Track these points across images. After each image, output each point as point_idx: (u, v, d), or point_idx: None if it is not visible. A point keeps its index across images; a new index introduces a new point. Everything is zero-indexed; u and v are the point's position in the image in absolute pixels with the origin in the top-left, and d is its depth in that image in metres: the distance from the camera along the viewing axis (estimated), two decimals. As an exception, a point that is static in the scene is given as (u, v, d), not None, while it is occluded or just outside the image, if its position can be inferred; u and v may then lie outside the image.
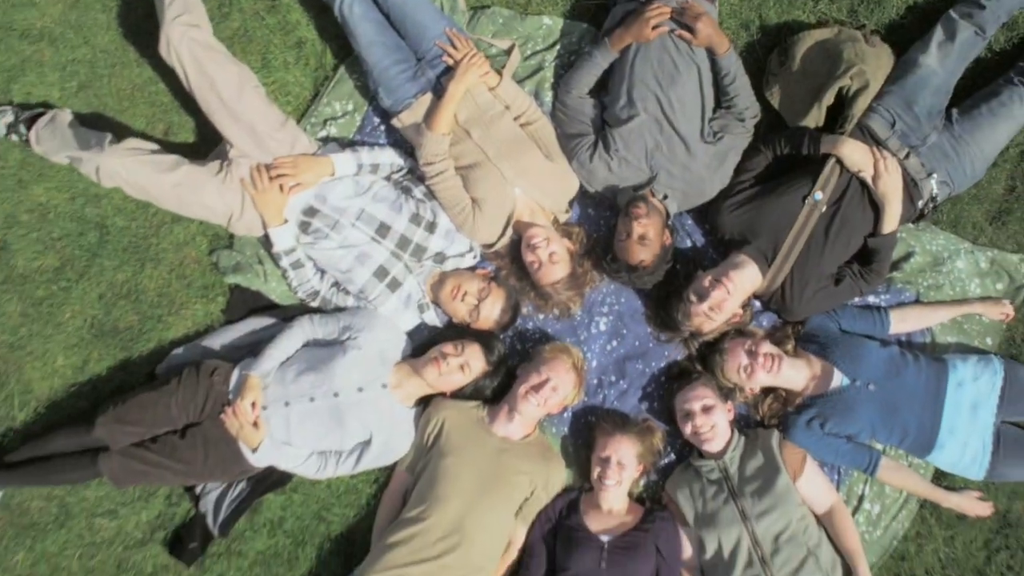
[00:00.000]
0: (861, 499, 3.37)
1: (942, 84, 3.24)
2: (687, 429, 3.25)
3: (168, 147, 3.46)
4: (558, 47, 3.53)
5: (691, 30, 3.18)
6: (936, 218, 3.42)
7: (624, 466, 3.23)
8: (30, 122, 3.47)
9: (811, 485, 3.21)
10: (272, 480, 3.42)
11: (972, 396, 3.18)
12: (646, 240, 3.19)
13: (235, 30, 3.58)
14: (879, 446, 3.30)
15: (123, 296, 3.53)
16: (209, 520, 3.43)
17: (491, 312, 3.32)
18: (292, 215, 3.33)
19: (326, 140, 3.51)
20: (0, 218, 3.54)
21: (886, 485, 3.34)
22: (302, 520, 3.48)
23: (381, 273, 3.33)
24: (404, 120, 3.38)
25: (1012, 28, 3.41)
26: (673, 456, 3.45)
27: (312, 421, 3.21)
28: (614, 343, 3.50)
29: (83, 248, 3.54)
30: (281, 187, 3.28)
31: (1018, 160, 3.43)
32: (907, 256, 3.40)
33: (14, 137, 3.49)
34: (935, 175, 3.22)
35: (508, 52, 3.52)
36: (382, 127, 3.55)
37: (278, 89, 3.57)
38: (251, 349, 3.40)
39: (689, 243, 3.49)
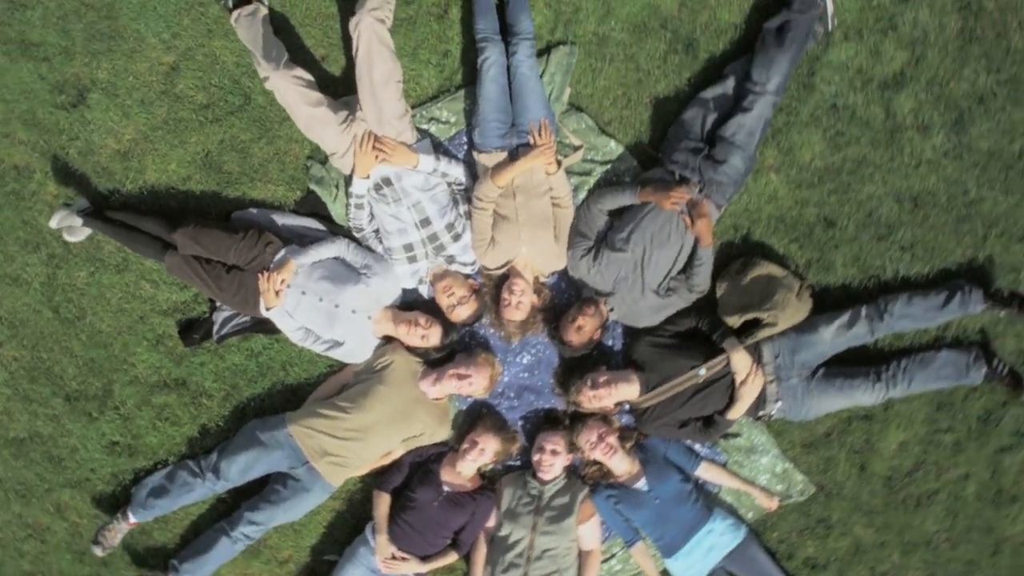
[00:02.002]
0: (613, 556, 4.83)
1: (824, 352, 4.44)
2: (535, 456, 4.61)
3: (317, 72, 4.55)
4: (609, 166, 4.61)
5: (692, 220, 4.32)
6: (769, 423, 4.70)
7: (484, 453, 4.58)
8: (238, 2, 4.53)
9: (587, 532, 4.63)
10: (268, 327, 4.69)
11: (712, 542, 4.56)
12: (582, 331, 4.45)
13: (408, 16, 4.53)
14: (643, 534, 4.70)
15: (236, 150, 4.68)
16: (215, 327, 4.74)
17: (462, 313, 4.56)
18: (374, 176, 4.47)
19: (425, 133, 4.62)
20: (182, 50, 4.59)
21: (632, 558, 4.77)
22: (272, 361, 4.82)
23: (408, 248, 4.56)
24: (480, 159, 4.51)
25: (900, 338, 4.60)
26: (519, 463, 4.84)
27: (312, 312, 4.51)
28: (525, 375, 4.83)
29: (227, 102, 4.66)
30: (376, 156, 4.42)
31: (846, 421, 4.70)
32: (735, 435, 4.71)
33: (219, 2, 4.57)
34: (781, 403, 4.47)
35: (575, 149, 4.61)
36: (465, 146, 4.66)
37: (412, 77, 4.60)
38: (299, 239, 4.65)
39: (610, 343, 4.75)
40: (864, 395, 4.46)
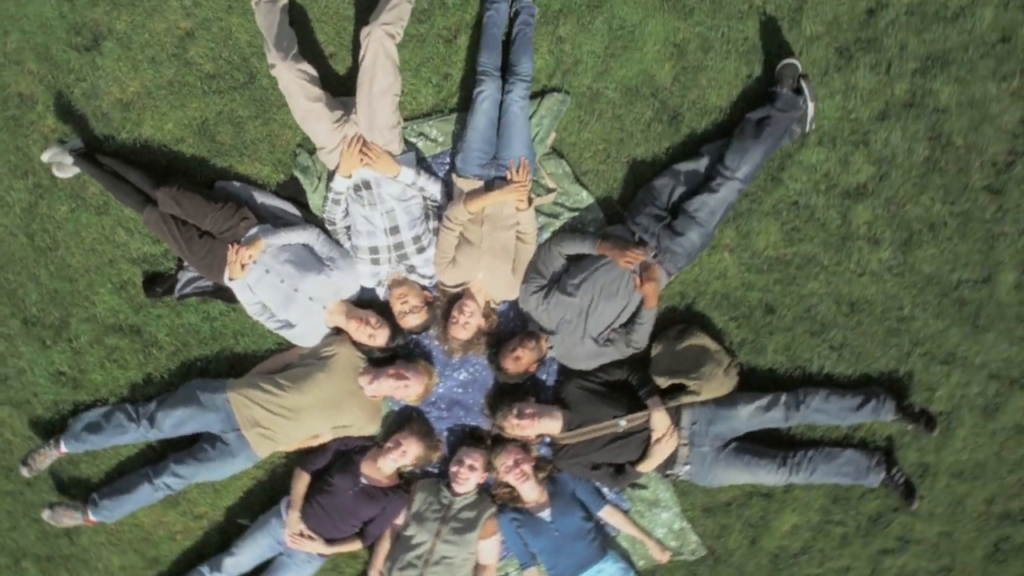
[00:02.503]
0: (507, 574, 5.10)
1: (739, 428, 4.70)
2: (453, 468, 4.86)
3: (323, 67, 4.76)
4: (577, 214, 4.85)
5: (642, 281, 4.56)
6: (675, 482, 4.95)
7: (405, 455, 4.82)
8: (259, -15, 4.73)
9: (486, 547, 4.88)
10: (227, 295, 4.90)
11: (600, 582, 4.86)
12: (520, 361, 4.70)
13: (419, 34, 4.74)
14: (538, 560, 4.94)
15: (232, 123, 4.87)
16: (178, 285, 4.94)
17: (411, 321, 4.80)
18: (355, 177, 4.68)
19: (412, 146, 4.84)
20: (200, 19, 4.80)
21: (525, 580, 5.06)
22: (225, 328, 5.03)
23: (373, 250, 4.78)
24: (458, 182, 4.73)
25: (812, 429, 4.88)
26: (436, 471, 5.09)
27: (272, 291, 4.72)
28: (459, 390, 5.08)
29: (232, 77, 4.85)
30: (361, 159, 4.62)
31: (747, 495, 4.98)
32: (643, 486, 4.97)
33: (244, -18, 4.77)
34: (689, 466, 4.73)
35: (548, 191, 4.84)
36: (447, 167, 4.89)
37: (411, 91, 4.81)
38: (274, 220, 4.86)
39: (544, 377, 5.01)
40: (768, 475, 4.72)
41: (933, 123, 4.61)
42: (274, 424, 4.76)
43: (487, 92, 4.62)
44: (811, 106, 4.54)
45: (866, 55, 4.59)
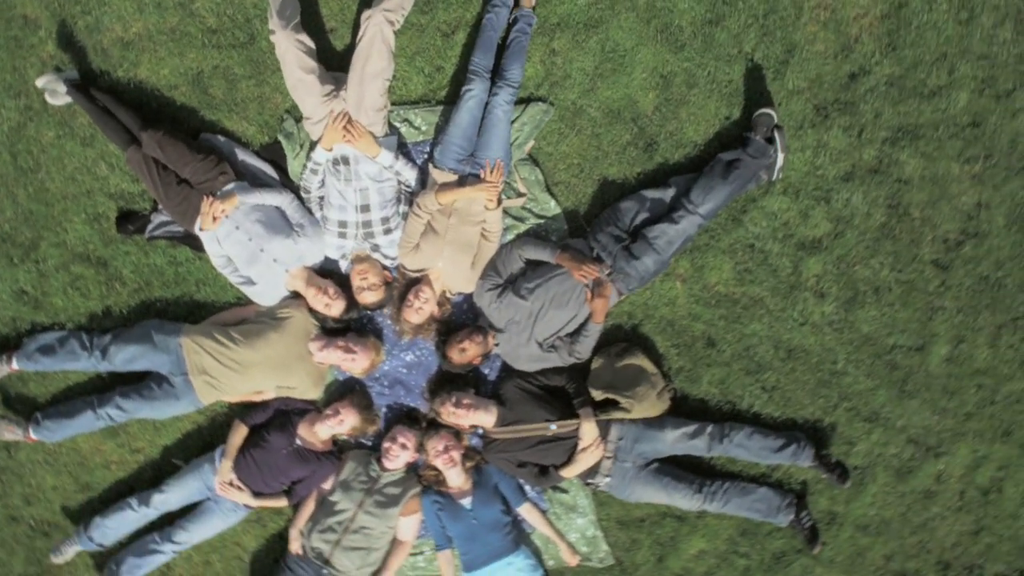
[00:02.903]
0: (421, 553, 5.31)
1: (662, 450, 4.89)
2: (386, 444, 5.03)
3: (322, 40, 4.87)
4: (542, 221, 5.00)
5: (592, 296, 4.73)
6: (595, 491, 5.15)
7: (342, 424, 4.99)
8: (270, -44, 4.83)
9: (406, 524, 5.08)
10: (196, 244, 5.03)
11: (508, 574, 5.02)
12: (466, 352, 4.87)
13: (419, 24, 4.85)
14: (453, 544, 5.13)
15: (226, 80, 4.98)
16: (150, 226, 5.07)
17: (367, 298, 4.95)
18: (336, 151, 4.81)
19: (395, 130, 4.97)
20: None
21: (437, 561, 5.20)
22: (189, 274, 5.16)
23: (342, 224, 4.92)
24: (433, 173, 4.88)
25: (732, 462, 5.08)
26: (370, 444, 5.27)
27: (239, 247, 4.86)
28: (404, 370, 5.25)
29: (233, 35, 4.95)
30: (343, 136, 4.75)
31: (661, 515, 5.19)
32: (563, 490, 5.17)
33: (261, -56, 4.87)
34: (610, 479, 4.92)
35: (519, 195, 5.00)
36: (425, 155, 5.02)
37: (402, 77, 4.94)
38: (252, 179, 4.99)
39: (487, 371, 5.18)
40: (683, 500, 4.92)
41: (894, 192, 4.79)
42: (221, 375, 4.92)
43: (474, 91, 4.76)
44: (781, 156, 4.71)
45: (842, 117, 4.75)
